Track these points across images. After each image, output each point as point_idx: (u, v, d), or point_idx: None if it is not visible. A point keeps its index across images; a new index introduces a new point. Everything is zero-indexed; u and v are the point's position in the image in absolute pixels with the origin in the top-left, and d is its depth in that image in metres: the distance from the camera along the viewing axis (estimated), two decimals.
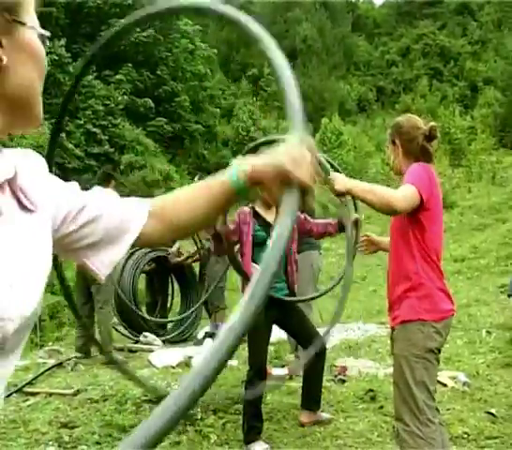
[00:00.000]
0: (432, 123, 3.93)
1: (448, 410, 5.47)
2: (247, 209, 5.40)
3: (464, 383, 6.20)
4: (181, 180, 33.49)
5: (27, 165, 1.40)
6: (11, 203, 1.29)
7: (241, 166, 1.40)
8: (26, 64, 1.29)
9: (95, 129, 34.26)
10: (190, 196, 1.55)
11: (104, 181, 8.34)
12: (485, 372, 6.65)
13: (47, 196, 1.40)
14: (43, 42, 1.37)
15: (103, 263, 1.53)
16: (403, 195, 3.56)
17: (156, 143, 37.23)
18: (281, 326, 5.59)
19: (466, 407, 5.64)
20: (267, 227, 5.38)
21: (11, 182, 1.30)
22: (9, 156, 1.35)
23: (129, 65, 38.31)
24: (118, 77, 37.80)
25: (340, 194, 3.75)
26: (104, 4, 38.90)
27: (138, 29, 38.12)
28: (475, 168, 27.53)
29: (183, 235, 1.70)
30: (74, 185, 1.54)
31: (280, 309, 5.41)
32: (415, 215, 3.66)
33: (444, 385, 6.08)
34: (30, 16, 1.37)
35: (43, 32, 1.37)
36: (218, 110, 44.89)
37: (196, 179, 9.56)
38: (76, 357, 8.07)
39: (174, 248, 10.02)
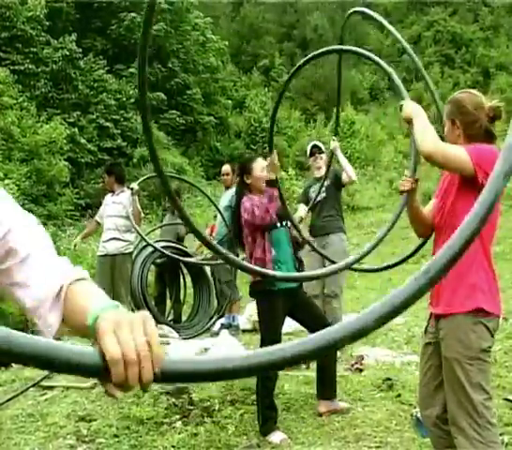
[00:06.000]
0: (496, 102, 3.63)
1: None
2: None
3: None
4: (194, 173, 33.48)
5: None
6: None
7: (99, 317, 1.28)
8: None
9: (107, 124, 34.29)
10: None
11: (107, 175, 8.53)
12: (502, 359, 6.61)
13: None
14: None
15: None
16: (447, 147, 3.46)
17: (168, 136, 37.21)
18: (292, 316, 5.60)
19: None
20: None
21: None
22: None
23: None
24: (130, 70, 37.78)
25: (408, 121, 3.66)
26: None
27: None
28: None
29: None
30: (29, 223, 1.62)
31: (292, 300, 5.43)
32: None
33: None
34: None
35: None
36: (229, 101, 44.84)
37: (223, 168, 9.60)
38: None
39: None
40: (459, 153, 3.40)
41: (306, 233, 6.93)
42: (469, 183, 3.44)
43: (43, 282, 1.54)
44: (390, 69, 4.10)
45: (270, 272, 4.44)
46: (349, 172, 7.61)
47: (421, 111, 3.61)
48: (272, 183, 5.35)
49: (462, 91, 3.83)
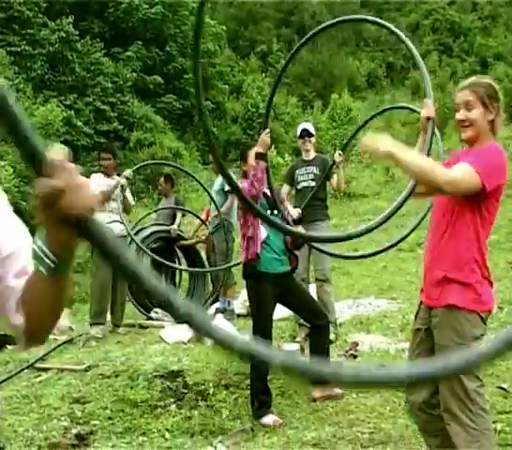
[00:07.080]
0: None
1: None
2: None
3: None
4: (190, 157, 33.40)
5: None
6: None
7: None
8: None
9: (104, 107, 34.18)
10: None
11: (113, 157, 8.51)
12: None
13: None
14: None
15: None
16: (456, 176, 3.26)
17: (165, 120, 37.11)
18: (283, 303, 5.61)
19: None
20: (266, 197, 5.52)
21: None
22: None
23: (139, 42, 38.13)
24: (127, 54, 37.64)
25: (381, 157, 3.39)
26: None
27: (146, 6, 37.97)
28: None
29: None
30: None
31: (282, 286, 5.43)
32: (478, 203, 3.38)
33: None
34: None
35: None
36: (226, 86, 44.66)
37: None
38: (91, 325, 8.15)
39: (175, 226, 9.99)
40: (470, 177, 3.29)
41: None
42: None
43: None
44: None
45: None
46: (341, 183, 7.89)
47: (393, 142, 3.38)
48: (261, 156, 5.35)
49: (479, 77, 3.69)
